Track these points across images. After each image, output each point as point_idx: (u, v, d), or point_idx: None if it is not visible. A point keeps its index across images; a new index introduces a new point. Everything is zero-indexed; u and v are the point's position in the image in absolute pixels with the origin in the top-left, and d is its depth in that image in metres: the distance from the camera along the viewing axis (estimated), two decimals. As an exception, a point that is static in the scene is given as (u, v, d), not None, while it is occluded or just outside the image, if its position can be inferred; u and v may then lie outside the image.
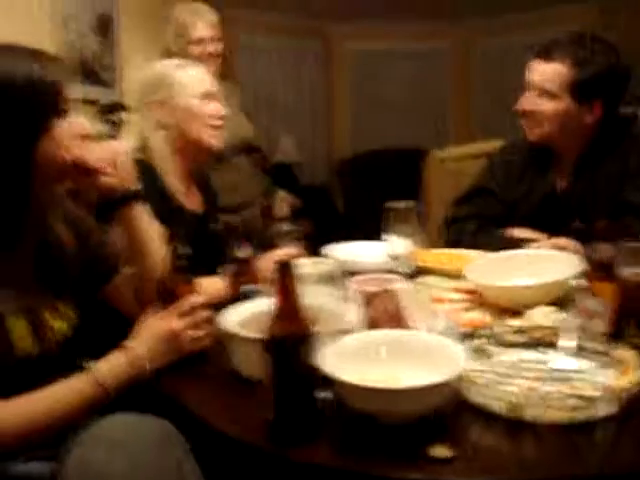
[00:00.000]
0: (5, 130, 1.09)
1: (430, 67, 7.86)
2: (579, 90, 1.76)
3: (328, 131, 7.92)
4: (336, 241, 1.99)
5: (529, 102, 1.84)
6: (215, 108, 1.83)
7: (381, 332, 1.14)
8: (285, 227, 1.83)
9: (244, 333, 1.13)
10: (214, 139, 1.82)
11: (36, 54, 1.16)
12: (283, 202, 1.82)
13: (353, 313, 1.21)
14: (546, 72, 1.80)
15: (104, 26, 3.46)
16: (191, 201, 1.84)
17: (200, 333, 1.25)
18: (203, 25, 2.58)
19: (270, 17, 7.01)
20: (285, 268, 0.92)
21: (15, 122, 1.10)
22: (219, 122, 1.83)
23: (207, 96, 1.82)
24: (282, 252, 1.72)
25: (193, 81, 1.81)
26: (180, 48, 2.54)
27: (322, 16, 7.23)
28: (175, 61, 1.87)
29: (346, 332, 1.14)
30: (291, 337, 0.93)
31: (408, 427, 0.97)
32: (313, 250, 1.87)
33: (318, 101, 7.81)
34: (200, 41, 2.57)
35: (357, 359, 1.05)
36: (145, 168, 1.69)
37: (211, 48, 2.59)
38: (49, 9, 2.88)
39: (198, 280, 1.29)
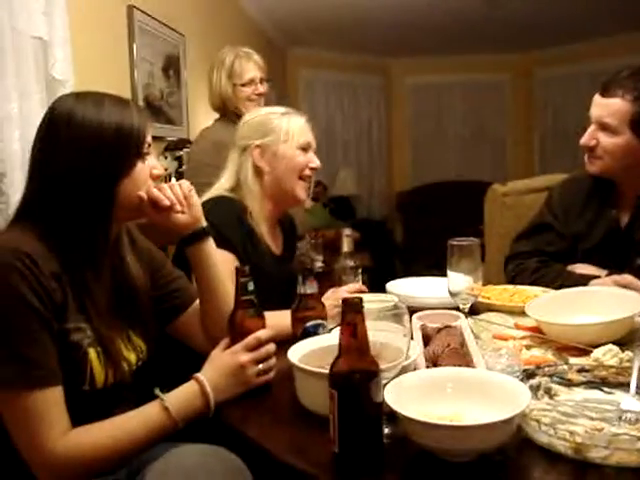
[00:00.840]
0: (93, 170, 1.18)
1: (490, 99, 7.85)
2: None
3: (387, 164, 7.99)
4: (395, 274, 2.02)
5: (591, 136, 1.85)
6: (312, 159, 1.88)
7: (445, 369, 1.16)
8: (350, 262, 1.86)
9: (310, 367, 1.16)
10: (303, 191, 1.88)
11: (123, 102, 1.24)
12: (349, 237, 1.86)
13: (417, 350, 1.23)
14: (607, 107, 1.81)
15: (171, 65, 3.62)
16: (274, 243, 1.91)
17: (265, 366, 1.29)
18: (253, 67, 2.72)
19: (332, 55, 7.17)
20: (352, 305, 0.95)
21: (103, 164, 1.18)
22: (312, 173, 1.89)
23: (307, 147, 1.87)
24: (349, 288, 1.77)
25: (297, 131, 1.85)
26: (231, 90, 2.68)
27: (381, 52, 7.34)
28: (282, 109, 1.92)
29: (409, 369, 1.16)
30: (357, 373, 0.96)
31: (470, 464, 0.98)
32: (372, 284, 1.90)
33: (378, 134, 7.90)
34: (251, 82, 2.70)
35: (421, 395, 1.07)
36: (237, 207, 1.78)
37: (261, 89, 2.73)
38: (124, 51, 3.04)
39: (267, 314, 1.34)
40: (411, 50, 7.28)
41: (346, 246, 1.86)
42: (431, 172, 7.59)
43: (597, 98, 1.85)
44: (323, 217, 5.90)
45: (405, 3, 5.38)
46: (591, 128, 1.85)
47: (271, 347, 1.31)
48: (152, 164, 1.27)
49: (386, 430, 1.05)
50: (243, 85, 2.69)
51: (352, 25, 6.09)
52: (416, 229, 6.93)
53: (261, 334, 1.29)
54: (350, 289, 1.77)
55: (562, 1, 5.38)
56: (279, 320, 1.42)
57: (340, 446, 0.98)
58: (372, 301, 1.32)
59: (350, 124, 7.62)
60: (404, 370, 1.12)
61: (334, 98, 7.54)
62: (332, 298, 1.65)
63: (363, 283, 1.86)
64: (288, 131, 1.83)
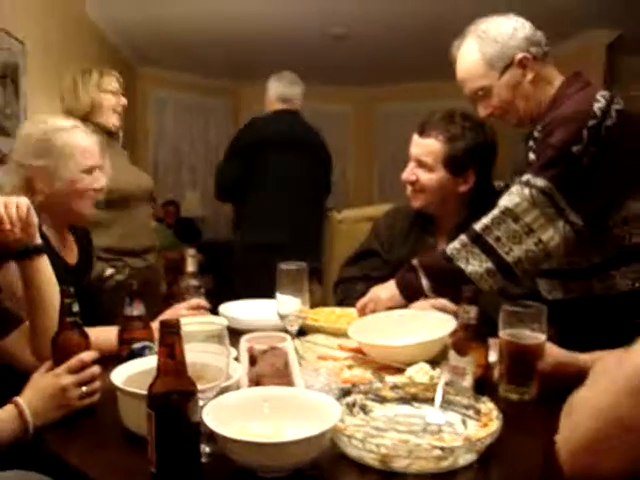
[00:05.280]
0: None
1: (333, 129, 8.11)
2: (452, 163, 1.96)
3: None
4: (239, 297, 2.05)
5: (411, 172, 2.02)
6: (96, 180, 1.79)
7: (264, 389, 1.21)
8: (194, 282, 1.86)
9: (129, 389, 1.16)
10: (88, 208, 1.79)
11: None
12: (193, 257, 1.85)
13: (240, 370, 1.26)
14: (423, 147, 1.99)
15: (9, 73, 3.44)
16: (68, 253, 1.83)
17: (89, 389, 1.27)
18: (115, 80, 2.66)
19: (183, 76, 7.12)
20: (169, 326, 0.97)
21: None
22: (97, 194, 1.81)
23: (92, 169, 1.78)
24: (189, 304, 1.77)
25: (80, 153, 1.75)
26: (98, 99, 2.58)
27: (232, 77, 7.40)
28: (63, 122, 1.80)
29: (232, 389, 1.19)
30: (174, 393, 0.97)
31: (286, 479, 1.02)
32: (215, 306, 1.92)
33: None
34: (116, 92, 2.64)
35: (240, 414, 1.10)
36: None
37: (123, 100, 2.67)
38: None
39: (90, 331, 1.31)
40: (260, 76, 7.38)
41: (190, 266, 1.86)
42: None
43: (415, 138, 2.03)
44: (167, 238, 5.81)
45: (253, 30, 5.47)
46: (411, 165, 2.03)
47: (95, 369, 1.28)
48: None
49: (207, 449, 1.07)
50: (111, 94, 2.61)
51: (203, 48, 6.11)
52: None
53: (85, 356, 1.27)
54: (190, 304, 1.78)
55: (400, 43, 5.73)
56: (101, 338, 1.41)
57: (158, 467, 0.99)
58: (201, 323, 1.33)
59: (199, 146, 7.58)
60: (227, 391, 1.15)
61: (183, 119, 7.49)
62: (170, 315, 1.65)
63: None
64: (69, 153, 1.73)
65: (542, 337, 1.37)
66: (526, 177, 1.64)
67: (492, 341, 1.44)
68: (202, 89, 7.46)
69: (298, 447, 1.00)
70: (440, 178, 1.98)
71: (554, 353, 1.39)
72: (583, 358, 1.34)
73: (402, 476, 1.05)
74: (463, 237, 1.70)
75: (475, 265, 1.66)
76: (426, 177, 1.99)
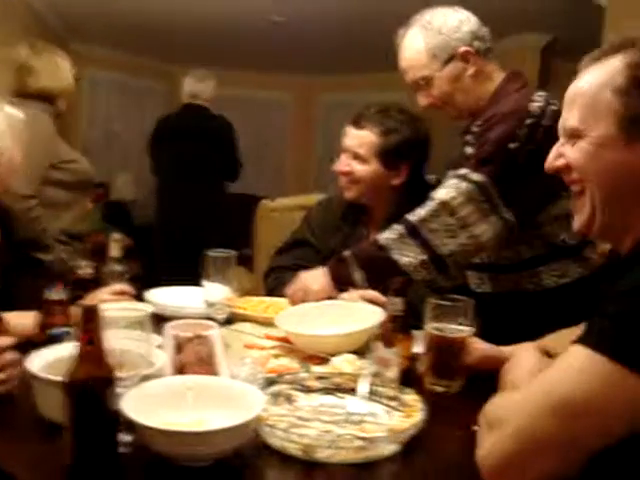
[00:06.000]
0: None
1: (272, 117, 8.08)
2: (386, 156, 1.97)
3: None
4: (166, 283, 2.01)
5: (344, 164, 2.02)
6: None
7: (187, 377, 1.18)
8: (118, 267, 1.81)
9: (46, 375, 1.12)
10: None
11: None
12: (117, 242, 1.80)
13: (163, 358, 1.23)
14: (358, 139, 1.99)
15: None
16: None
17: (5, 376, 1.22)
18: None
19: (118, 55, 6.93)
20: (89, 311, 0.94)
21: None
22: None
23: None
24: (112, 289, 1.72)
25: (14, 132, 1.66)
26: (71, 79, 2.53)
27: (169, 59, 7.25)
28: None
29: (154, 377, 1.16)
30: (92, 381, 0.94)
31: (209, 469, 1.01)
32: (141, 291, 1.88)
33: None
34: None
35: (163, 403, 1.08)
36: None
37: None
38: None
39: (6, 316, 1.26)
40: (198, 60, 7.26)
41: (114, 251, 1.81)
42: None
43: (350, 129, 2.03)
44: (96, 221, 5.65)
45: (195, 11, 5.37)
46: (345, 156, 2.03)
47: (10, 355, 1.23)
48: None
49: (126, 438, 1.04)
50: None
51: (139, 28, 5.95)
52: (180, 239, 6.83)
53: (0, 341, 1.22)
54: (114, 290, 1.73)
55: (342, 34, 5.73)
56: (18, 323, 1.35)
57: (74, 456, 0.96)
58: (124, 309, 1.30)
59: (132, 128, 7.38)
60: (149, 379, 1.13)
61: (117, 100, 7.29)
62: (93, 300, 1.60)
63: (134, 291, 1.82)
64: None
65: (468, 330, 1.40)
66: (464, 171, 1.66)
67: (419, 333, 1.46)
68: (137, 70, 7.28)
69: (220, 437, 0.98)
70: (374, 170, 1.99)
71: (479, 346, 1.42)
72: (508, 351, 1.37)
73: (324, 466, 1.05)
74: (398, 228, 1.71)
75: (410, 257, 1.68)
76: (360, 169, 2.00)
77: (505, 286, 1.81)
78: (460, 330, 1.40)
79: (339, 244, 2.03)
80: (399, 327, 1.36)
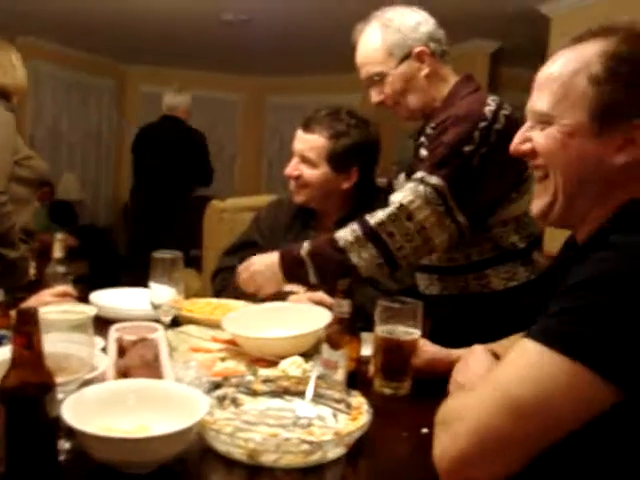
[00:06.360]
0: None
1: (223, 116, 8.01)
2: (335, 160, 1.97)
3: (116, 171, 7.72)
4: (116, 285, 1.97)
5: (294, 168, 2.02)
6: None
7: (130, 381, 1.15)
8: (61, 268, 1.76)
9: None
10: None
11: None
12: (61, 242, 1.75)
13: (106, 362, 1.20)
14: (307, 142, 1.98)
15: None
16: None
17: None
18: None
19: (64, 49, 6.76)
20: (25, 314, 0.90)
21: None
22: None
23: None
24: (54, 291, 1.67)
25: None
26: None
27: (118, 56, 7.13)
28: None
29: (96, 381, 1.13)
30: (29, 387, 0.91)
31: (151, 476, 0.98)
32: (86, 293, 1.83)
33: (107, 140, 7.61)
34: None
35: (104, 409, 1.05)
36: None
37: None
38: None
39: None
40: (148, 58, 7.17)
41: (57, 251, 1.76)
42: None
43: (299, 133, 2.02)
44: (41, 221, 5.51)
45: (143, 8, 5.28)
46: (294, 160, 2.02)
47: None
48: None
49: (66, 445, 1.01)
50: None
51: (88, 23, 5.81)
52: (142, 239, 6.74)
53: None
54: (56, 292, 1.68)
55: (295, 35, 5.73)
56: None
57: (8, 465, 0.92)
58: (65, 312, 1.26)
59: (78, 125, 7.22)
60: (91, 384, 1.10)
61: (63, 96, 7.10)
62: (34, 303, 1.55)
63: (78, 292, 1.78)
64: None
65: (417, 333, 1.40)
66: (420, 174, 1.65)
67: (368, 335, 1.46)
68: (85, 66, 7.12)
69: (161, 442, 0.96)
70: (323, 174, 1.98)
71: (428, 349, 1.42)
72: (456, 354, 1.38)
73: (270, 471, 1.03)
74: (356, 229, 1.67)
75: (366, 260, 1.66)
76: (309, 173, 1.99)
77: (453, 288, 1.82)
78: (409, 332, 1.40)
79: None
80: (346, 329, 1.35)
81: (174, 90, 5.05)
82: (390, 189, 2.09)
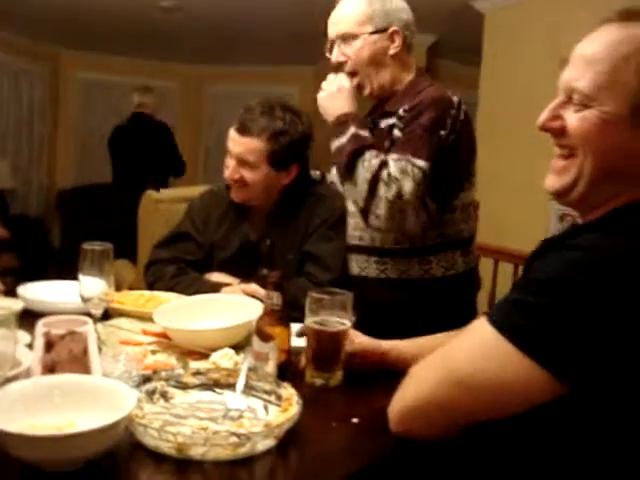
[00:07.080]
0: None
1: (161, 105, 7.85)
2: (276, 159, 1.93)
3: (49, 159, 7.50)
4: (48, 277, 1.91)
5: (234, 171, 1.95)
6: None
7: (55, 377, 1.13)
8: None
9: None
10: None
11: None
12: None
13: (31, 357, 1.18)
14: (245, 145, 1.92)
15: None
16: None
17: None
18: None
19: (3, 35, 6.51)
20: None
21: None
22: None
23: None
24: None
25: None
26: None
27: (52, 41, 6.91)
28: None
29: (21, 377, 1.11)
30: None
31: (78, 472, 0.97)
32: (17, 285, 1.78)
33: (40, 127, 7.36)
34: None
35: (28, 406, 1.03)
36: None
37: None
38: None
39: None
40: (85, 44, 6.97)
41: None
42: (96, 172, 7.29)
43: (235, 136, 1.94)
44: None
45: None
46: (233, 163, 1.95)
47: None
48: None
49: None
50: None
51: (23, 6, 5.60)
52: (76, 230, 6.59)
53: None
54: None
55: (233, 23, 5.67)
56: None
57: None
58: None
59: (9, 111, 6.97)
60: (15, 380, 1.07)
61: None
62: None
63: (5, 285, 1.74)
64: None
65: (347, 324, 1.41)
66: (406, 156, 1.66)
67: (299, 326, 1.47)
68: (18, 50, 6.87)
69: (87, 439, 0.94)
70: (264, 174, 1.94)
71: (359, 340, 1.43)
72: (386, 345, 1.40)
73: (199, 464, 1.03)
74: (374, 166, 1.69)
75: (355, 190, 1.73)
76: (250, 175, 1.94)
77: (393, 271, 1.84)
78: (340, 323, 1.41)
79: (220, 238, 2.01)
80: (276, 321, 1.36)
81: (141, 89, 5.58)
82: (323, 181, 2.12)
